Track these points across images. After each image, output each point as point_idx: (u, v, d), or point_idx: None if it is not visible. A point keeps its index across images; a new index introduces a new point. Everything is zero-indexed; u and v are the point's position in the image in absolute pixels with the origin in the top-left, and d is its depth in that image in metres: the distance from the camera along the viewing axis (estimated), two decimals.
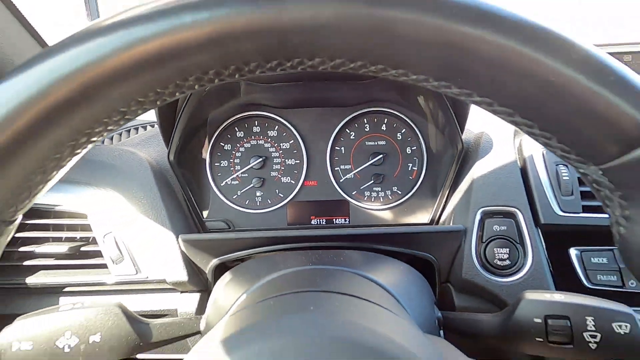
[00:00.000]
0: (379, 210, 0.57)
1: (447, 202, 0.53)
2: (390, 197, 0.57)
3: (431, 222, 0.55)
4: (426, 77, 0.16)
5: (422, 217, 0.55)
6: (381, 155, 0.56)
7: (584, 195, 0.44)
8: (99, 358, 0.31)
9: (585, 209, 0.44)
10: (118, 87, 0.14)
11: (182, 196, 0.54)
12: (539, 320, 0.30)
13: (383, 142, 0.57)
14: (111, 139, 0.86)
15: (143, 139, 0.61)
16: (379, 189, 0.57)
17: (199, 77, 0.15)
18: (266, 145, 0.58)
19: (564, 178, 0.45)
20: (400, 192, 0.56)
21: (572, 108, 0.15)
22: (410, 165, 0.56)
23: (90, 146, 0.17)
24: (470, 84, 0.16)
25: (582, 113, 0.15)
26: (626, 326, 0.28)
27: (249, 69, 0.15)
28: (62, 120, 0.15)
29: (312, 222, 0.57)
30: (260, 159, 0.57)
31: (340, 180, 0.58)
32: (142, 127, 0.90)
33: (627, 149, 0.15)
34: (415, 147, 0.57)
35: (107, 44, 0.13)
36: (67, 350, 0.30)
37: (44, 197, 0.37)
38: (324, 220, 0.57)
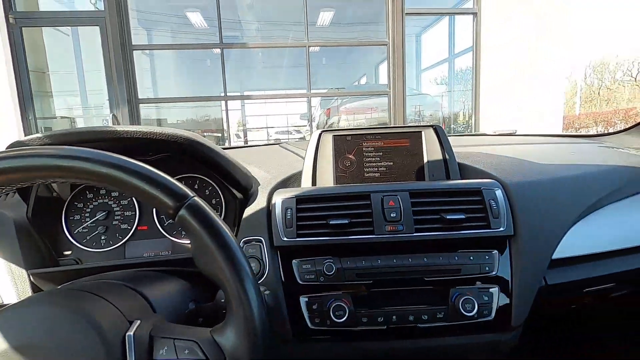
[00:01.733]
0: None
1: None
2: None
3: None
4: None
5: None
6: None
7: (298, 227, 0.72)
8: None
9: (299, 235, 0.71)
10: None
11: (43, 243, 0.76)
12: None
13: None
14: None
15: (16, 201, 0.82)
16: None
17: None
18: (110, 202, 0.82)
19: (287, 217, 0.72)
20: None
21: (133, 190, 0.42)
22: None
23: None
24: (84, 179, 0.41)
25: (138, 191, 0.42)
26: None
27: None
28: None
29: (144, 255, 0.81)
30: (104, 212, 0.80)
31: (165, 224, 0.82)
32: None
33: (175, 213, 0.41)
34: (217, 199, 0.83)
35: None
36: None
37: None
38: (152, 253, 0.81)
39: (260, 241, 0.68)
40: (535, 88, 4.99)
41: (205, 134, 7.50)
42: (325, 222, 0.67)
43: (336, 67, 8.96)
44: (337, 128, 0.84)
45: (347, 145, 0.81)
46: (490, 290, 0.66)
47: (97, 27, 4.29)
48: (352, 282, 0.66)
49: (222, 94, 4.99)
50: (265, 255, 0.67)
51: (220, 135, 7.26)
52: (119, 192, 0.81)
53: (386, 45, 4.81)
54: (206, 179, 0.80)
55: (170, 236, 0.81)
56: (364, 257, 0.67)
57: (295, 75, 6.78)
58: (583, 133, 1.30)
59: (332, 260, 0.66)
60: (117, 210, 0.82)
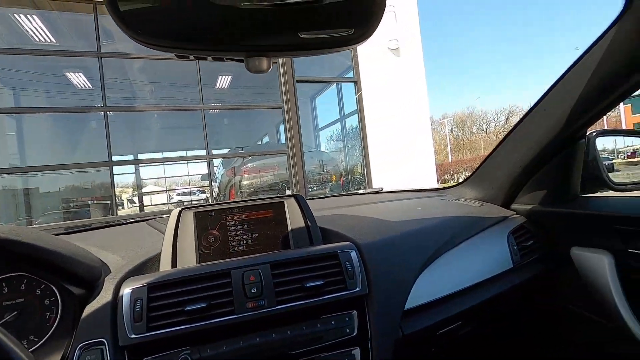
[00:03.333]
0: None
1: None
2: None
3: None
4: None
5: None
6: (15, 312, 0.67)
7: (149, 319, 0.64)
8: None
9: (150, 329, 0.63)
10: None
11: None
12: None
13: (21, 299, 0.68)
14: None
15: None
16: None
17: None
18: None
19: (136, 310, 0.64)
20: (36, 339, 0.67)
21: None
22: (49, 314, 0.69)
23: None
24: None
25: None
26: None
27: None
28: None
29: None
30: None
31: None
32: None
33: None
34: (52, 299, 0.70)
35: None
36: None
37: None
38: None
39: (103, 343, 0.59)
40: (411, 143, 5.83)
41: (90, 201, 6.61)
42: (181, 309, 0.62)
43: (239, 127, 9.13)
44: (199, 205, 0.83)
45: (210, 221, 0.80)
46: (353, 352, 0.69)
47: None
48: None
49: (107, 160, 4.55)
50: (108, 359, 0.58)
51: (108, 202, 6.49)
52: None
53: (281, 108, 5.13)
54: (35, 277, 0.68)
55: None
56: (225, 341, 0.63)
57: (195, 136, 6.66)
58: (445, 186, 1.54)
59: (188, 352, 0.61)
60: None
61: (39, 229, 1.06)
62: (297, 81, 5.14)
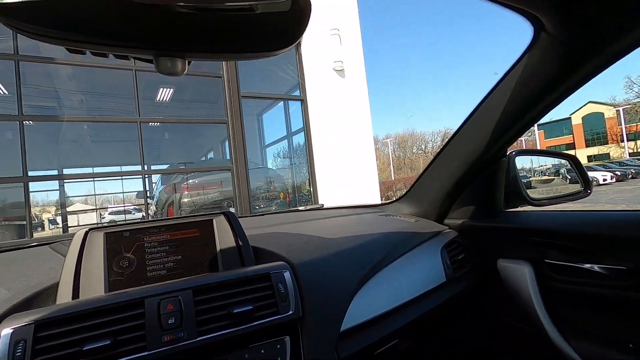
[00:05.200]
0: None
1: None
2: None
3: None
4: None
5: None
6: None
7: None
8: None
9: None
10: None
11: None
12: None
13: None
14: None
15: None
16: None
17: None
18: None
19: (17, 354, 0.53)
20: None
21: None
22: None
23: None
24: None
25: None
26: None
27: None
28: None
29: None
30: None
31: None
32: None
33: None
34: None
35: None
36: None
37: None
38: None
39: None
40: (356, 161, 6.01)
41: (3, 222, 5.74)
42: (77, 349, 0.53)
43: (181, 142, 8.69)
44: (111, 224, 0.73)
45: (125, 242, 0.70)
46: None
47: None
48: None
49: (21, 175, 4.03)
50: None
51: (25, 222, 5.70)
52: None
53: (226, 123, 4.99)
54: None
55: None
56: None
57: (132, 151, 6.20)
58: (384, 202, 1.56)
59: None
60: None
61: None
62: (242, 97, 5.06)
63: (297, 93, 5.91)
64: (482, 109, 0.99)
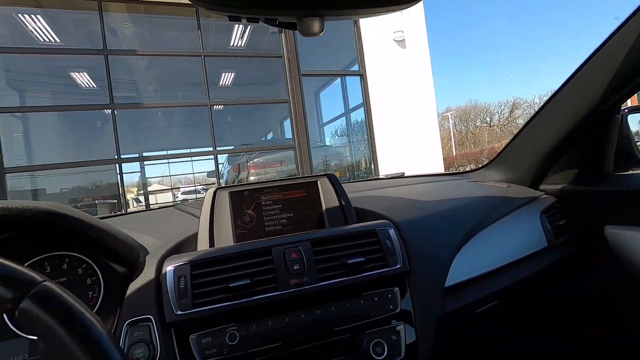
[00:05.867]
0: None
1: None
2: None
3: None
4: None
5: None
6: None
7: (194, 296, 0.64)
8: None
9: (196, 305, 0.63)
10: None
11: None
12: None
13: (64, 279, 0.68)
14: None
15: None
16: None
17: None
18: None
19: (181, 286, 0.64)
20: None
21: None
22: (91, 292, 0.69)
23: None
24: None
25: None
26: None
27: None
28: None
29: None
30: None
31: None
32: None
33: (14, 307, 0.32)
34: (94, 278, 0.70)
35: None
36: None
37: None
38: None
39: (150, 320, 0.59)
40: (418, 136, 5.80)
41: (97, 201, 6.62)
42: (224, 285, 0.61)
43: (243, 124, 9.12)
44: (233, 185, 0.81)
45: (245, 201, 0.79)
46: (397, 328, 0.67)
47: None
48: (259, 349, 0.61)
49: (115, 157, 4.56)
50: (156, 336, 0.57)
51: (115, 201, 6.50)
52: None
53: (287, 102, 5.11)
54: (78, 255, 0.68)
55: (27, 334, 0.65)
56: (270, 318, 0.62)
57: (200, 133, 6.66)
58: (460, 170, 1.52)
59: (235, 328, 0.60)
60: None
61: None
62: (302, 75, 5.11)
63: (355, 68, 5.81)
64: (595, 61, 0.89)
